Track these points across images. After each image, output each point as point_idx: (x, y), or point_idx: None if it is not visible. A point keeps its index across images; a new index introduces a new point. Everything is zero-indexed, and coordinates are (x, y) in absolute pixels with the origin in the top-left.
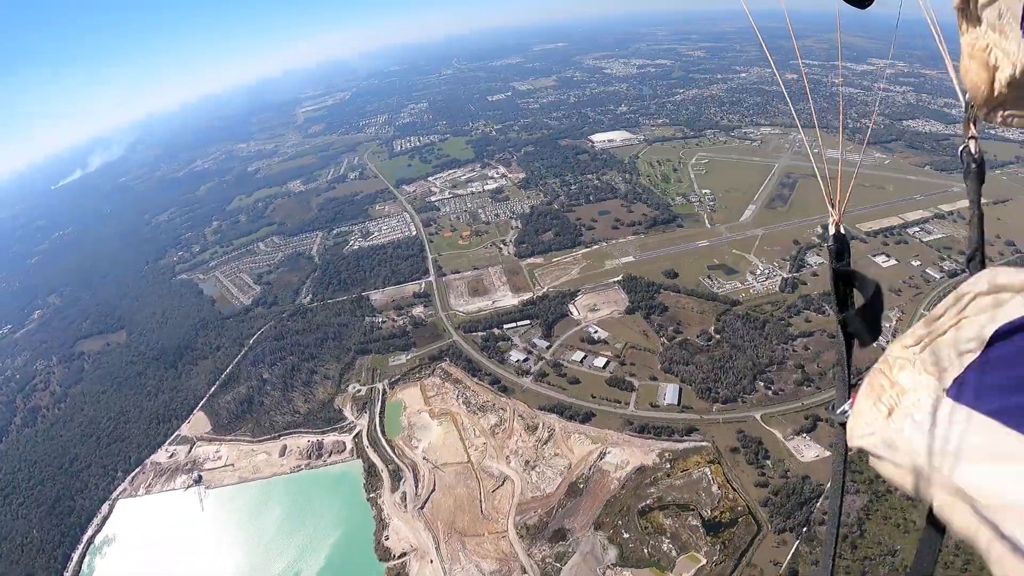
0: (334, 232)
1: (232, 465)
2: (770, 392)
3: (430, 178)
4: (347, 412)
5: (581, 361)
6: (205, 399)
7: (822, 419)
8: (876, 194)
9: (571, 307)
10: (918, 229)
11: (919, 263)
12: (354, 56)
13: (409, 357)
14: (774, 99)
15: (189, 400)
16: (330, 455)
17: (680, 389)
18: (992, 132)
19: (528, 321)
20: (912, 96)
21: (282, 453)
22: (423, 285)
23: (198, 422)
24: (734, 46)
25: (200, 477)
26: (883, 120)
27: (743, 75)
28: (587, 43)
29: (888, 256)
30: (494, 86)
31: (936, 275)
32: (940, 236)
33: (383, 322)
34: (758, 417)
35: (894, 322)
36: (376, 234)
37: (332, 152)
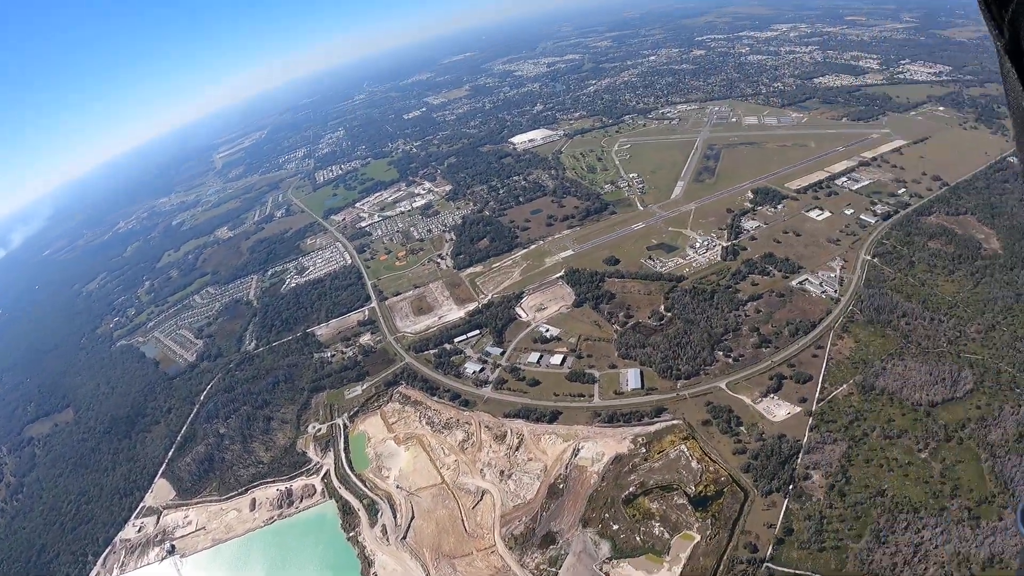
0: (269, 273)
1: (204, 528)
2: (731, 360)
3: (357, 204)
4: (311, 453)
5: (537, 362)
6: (164, 465)
7: (786, 377)
8: (800, 152)
9: (518, 310)
10: (845, 179)
11: (852, 211)
12: (266, 94)
13: (364, 387)
14: (685, 76)
15: (148, 468)
16: (301, 500)
17: (641, 372)
18: (901, 76)
19: (478, 331)
20: (819, 54)
21: (252, 507)
22: (367, 312)
23: (161, 490)
24: (639, 32)
25: (173, 547)
26: (795, 81)
27: (652, 58)
28: (494, 49)
29: (821, 209)
30: (408, 104)
31: (871, 220)
32: (867, 182)
33: (332, 356)
34: (724, 386)
35: (838, 271)
36: (311, 268)
37: (255, 193)
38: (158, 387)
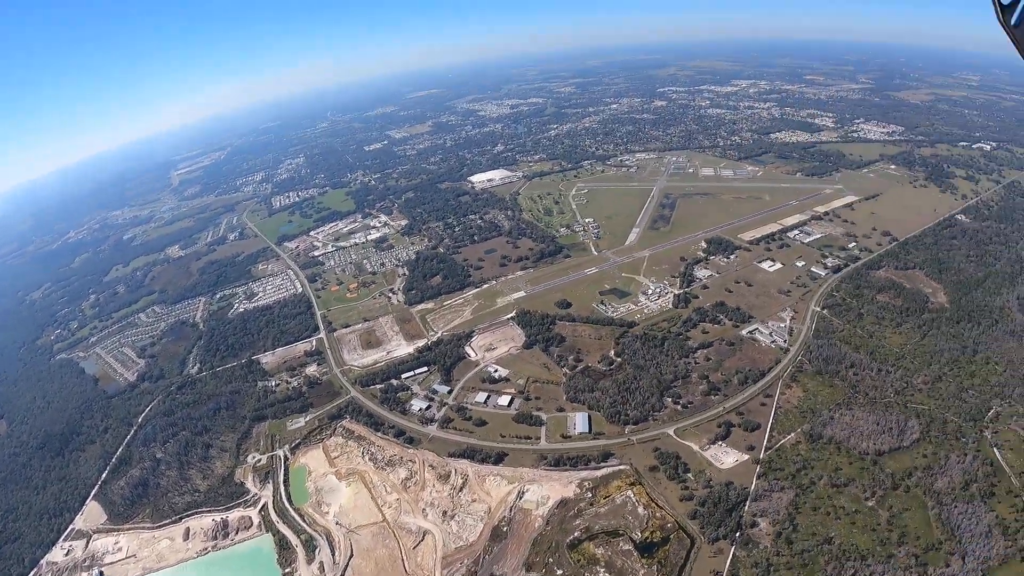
0: (217, 296)
1: (134, 556)
2: (679, 406)
3: (312, 233)
4: (249, 484)
5: (485, 402)
6: (97, 487)
7: (735, 424)
8: (754, 204)
9: (468, 349)
10: (798, 232)
11: (803, 263)
12: (229, 114)
13: (308, 419)
14: (645, 126)
15: (80, 490)
16: (237, 532)
17: (589, 417)
18: (855, 134)
19: (426, 368)
20: (776, 111)
21: (186, 536)
22: (314, 343)
23: (92, 512)
24: (603, 80)
25: (102, 573)
26: (752, 136)
27: (614, 106)
28: (460, 87)
29: (773, 261)
30: (370, 136)
31: (822, 272)
32: (819, 236)
33: (277, 385)
34: (672, 432)
35: (788, 322)
36: (261, 295)
37: (210, 214)
38: (96, 405)
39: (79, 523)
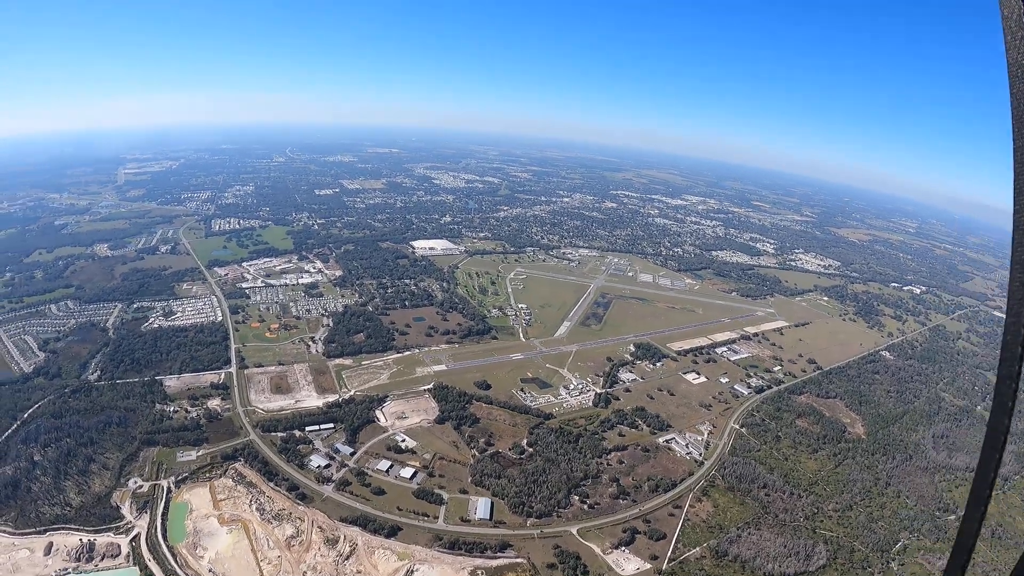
0: (135, 306)
1: None
2: (586, 506)
3: (245, 263)
4: (125, 510)
5: (387, 471)
6: None
7: (640, 531)
8: (687, 316)
9: (379, 413)
10: (726, 349)
11: (727, 380)
12: (188, 125)
13: (200, 454)
14: (593, 224)
15: None
16: (102, 559)
17: (492, 503)
18: (793, 263)
19: (332, 425)
20: (721, 230)
21: (47, 551)
22: (223, 376)
23: None
24: (559, 172)
25: None
26: (694, 250)
27: (566, 199)
28: (420, 152)
29: (698, 374)
30: (323, 180)
31: (744, 391)
32: (746, 355)
33: (175, 411)
34: (575, 531)
35: (705, 435)
36: (180, 314)
37: (148, 220)
38: None
39: None
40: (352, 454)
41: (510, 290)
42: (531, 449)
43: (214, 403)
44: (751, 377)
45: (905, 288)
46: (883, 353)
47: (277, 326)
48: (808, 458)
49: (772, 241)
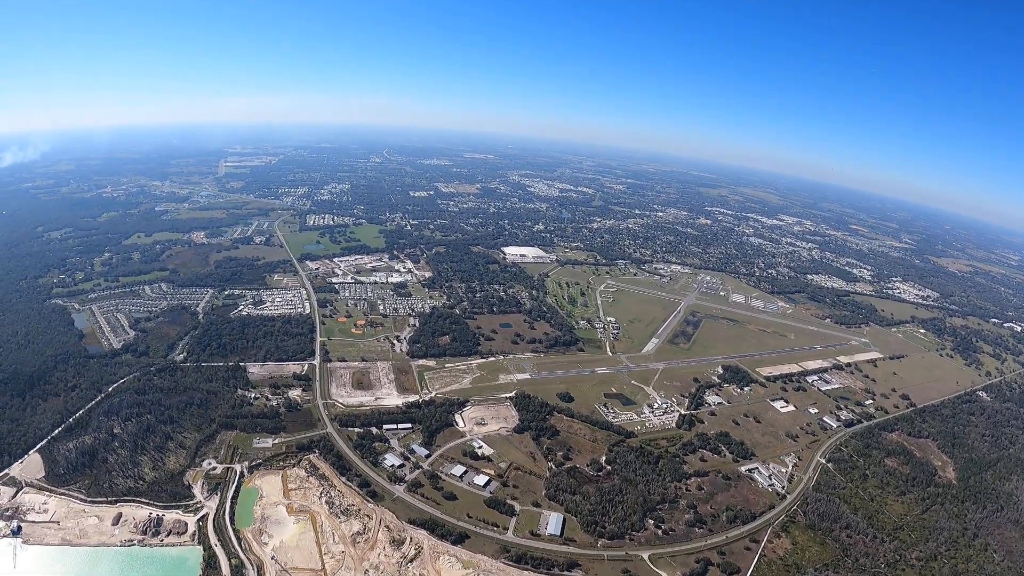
0: (225, 293)
1: (58, 523)
2: (660, 531)
3: (336, 259)
4: (196, 490)
5: (461, 476)
6: (45, 440)
7: (713, 563)
8: (778, 341)
9: (457, 417)
10: (816, 378)
11: (816, 411)
12: (288, 122)
13: (276, 442)
14: (686, 240)
15: (28, 437)
16: (168, 535)
17: (564, 519)
18: (890, 291)
19: (410, 425)
20: (817, 253)
21: (116, 521)
22: (306, 367)
23: (31, 465)
24: (654, 186)
25: (19, 528)
26: (789, 272)
27: (659, 214)
28: (515, 159)
29: (787, 402)
30: (418, 183)
31: (833, 423)
32: (837, 386)
33: (256, 398)
34: (646, 557)
35: (789, 467)
36: (268, 304)
37: (245, 212)
38: (73, 359)
39: (15, 471)
40: (427, 456)
41: (599, 302)
42: (609, 467)
43: (295, 393)
44: (841, 409)
45: (1006, 325)
46: (980, 393)
47: (363, 322)
48: (895, 500)
49: (869, 267)
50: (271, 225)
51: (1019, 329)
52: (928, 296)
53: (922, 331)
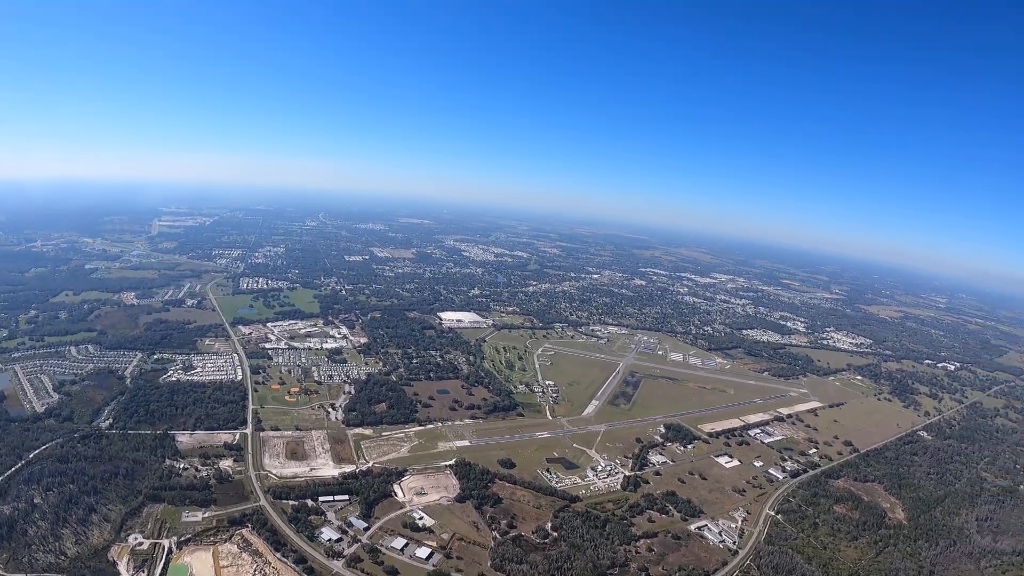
0: (155, 357)
1: None
2: None
3: (269, 324)
4: (122, 567)
5: (402, 549)
6: None
7: None
8: (718, 396)
9: (396, 487)
10: (759, 431)
11: (761, 464)
12: (224, 182)
13: (207, 515)
14: (622, 301)
15: None
16: None
17: None
18: (824, 342)
19: (347, 496)
20: (751, 308)
21: None
22: (237, 436)
23: None
24: (588, 249)
25: None
26: (725, 329)
27: (595, 276)
28: (451, 224)
29: (731, 457)
30: (354, 247)
31: (779, 475)
32: (780, 438)
33: (185, 469)
34: None
35: (739, 522)
36: (199, 369)
37: (177, 273)
38: None
39: None
40: (366, 529)
41: (538, 366)
42: (555, 533)
43: (226, 464)
44: (786, 460)
45: (939, 365)
46: (921, 433)
47: (297, 390)
48: (847, 546)
49: (803, 319)
50: (204, 287)
51: (953, 368)
52: (862, 343)
53: (859, 378)
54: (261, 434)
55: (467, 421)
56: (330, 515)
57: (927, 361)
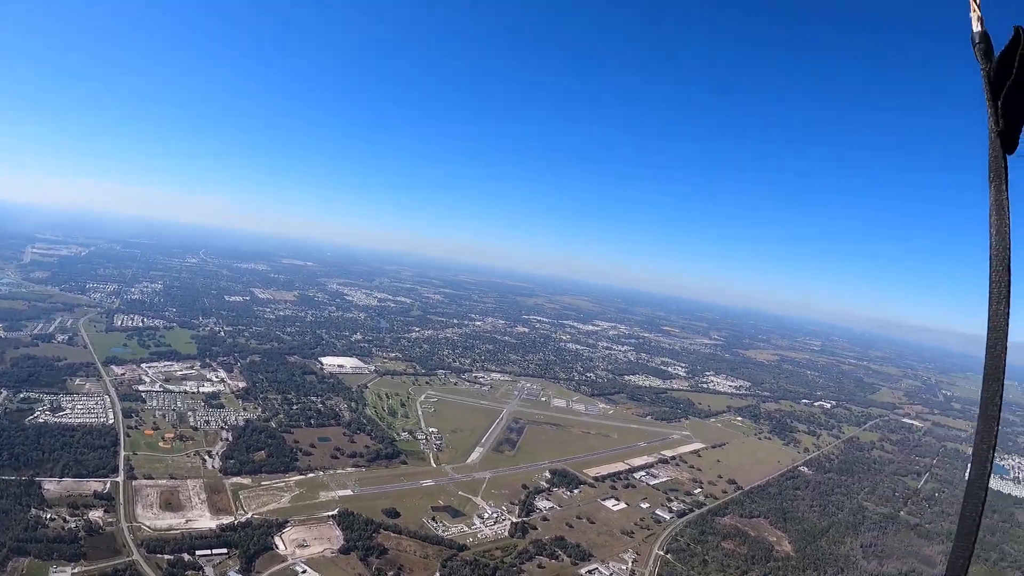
0: (21, 395)
1: None
2: None
3: (144, 364)
4: None
5: None
6: None
7: None
8: (602, 441)
9: (277, 539)
10: (644, 473)
11: (648, 505)
12: (103, 210)
13: (76, 571)
14: (505, 348)
15: None
16: None
17: None
18: (705, 385)
19: (226, 550)
20: (632, 355)
21: None
22: (108, 485)
23: None
24: (472, 295)
25: None
26: (607, 374)
27: (478, 323)
28: (334, 267)
29: (618, 500)
30: (234, 287)
31: (666, 515)
32: (665, 479)
33: (52, 519)
34: None
35: (630, 564)
36: (68, 411)
37: (48, 305)
38: None
39: None
40: None
41: (420, 413)
42: None
43: (96, 514)
44: (672, 501)
45: (816, 404)
46: (801, 469)
47: (172, 436)
48: None
49: (683, 365)
50: (76, 323)
51: (829, 406)
52: (741, 386)
53: (739, 419)
54: (134, 483)
55: (350, 469)
56: (208, 570)
57: (804, 401)
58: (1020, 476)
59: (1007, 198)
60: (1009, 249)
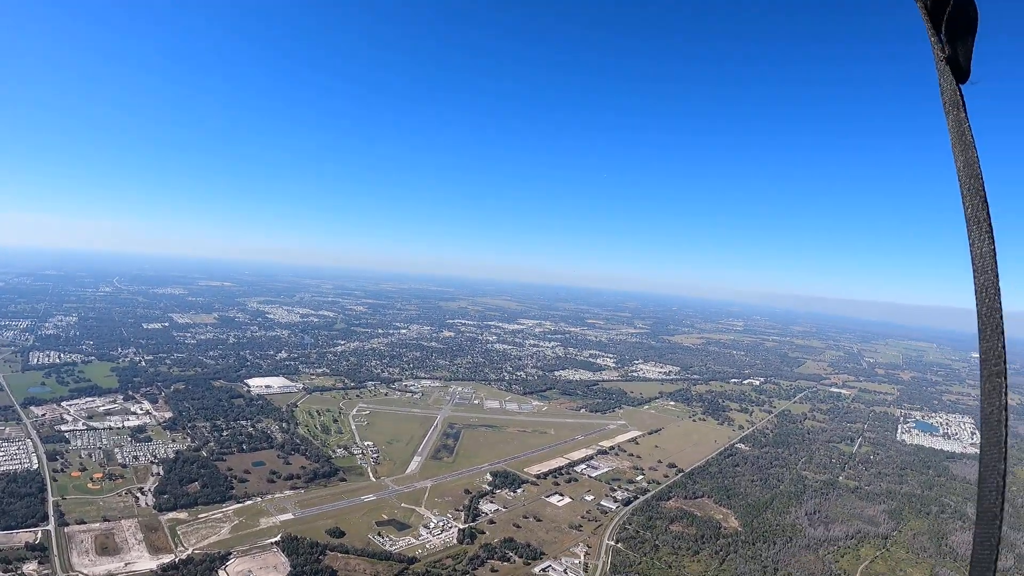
0: None
1: None
2: None
3: (64, 403)
4: None
5: None
6: None
7: None
8: (540, 438)
9: (222, 573)
10: (585, 466)
11: (592, 497)
12: (8, 245)
13: None
14: (433, 354)
15: None
16: None
17: None
18: (635, 374)
19: None
20: (560, 350)
21: None
22: (39, 535)
23: None
24: (395, 304)
25: None
26: (537, 372)
27: (403, 331)
28: (253, 286)
29: (562, 495)
30: (152, 314)
31: (612, 506)
32: (607, 470)
33: None
34: None
35: (582, 557)
36: None
37: None
38: None
39: None
40: None
41: (354, 427)
42: None
43: (30, 567)
44: (616, 491)
45: (745, 382)
46: (739, 446)
47: (101, 475)
48: (691, 561)
49: (612, 356)
50: None
51: (758, 383)
52: (670, 371)
53: (672, 403)
54: (66, 529)
55: (288, 492)
56: None
57: (733, 380)
58: (949, 432)
59: (969, 127)
60: (981, 179)
